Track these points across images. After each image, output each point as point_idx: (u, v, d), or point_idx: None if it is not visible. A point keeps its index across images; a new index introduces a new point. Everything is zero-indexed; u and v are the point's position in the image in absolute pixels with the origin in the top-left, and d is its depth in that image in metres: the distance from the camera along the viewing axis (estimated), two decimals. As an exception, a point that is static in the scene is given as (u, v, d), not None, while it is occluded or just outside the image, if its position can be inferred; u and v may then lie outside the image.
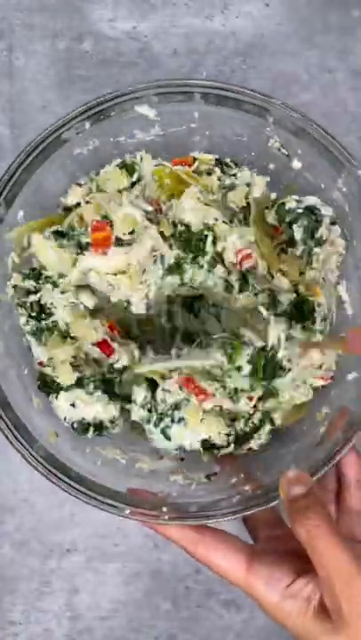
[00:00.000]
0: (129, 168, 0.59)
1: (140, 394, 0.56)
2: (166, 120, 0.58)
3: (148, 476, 0.56)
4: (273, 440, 0.57)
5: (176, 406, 0.56)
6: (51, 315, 0.57)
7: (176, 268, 0.57)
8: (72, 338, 0.57)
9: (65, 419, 0.57)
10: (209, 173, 0.60)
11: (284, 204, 0.58)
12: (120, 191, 0.59)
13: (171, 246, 0.56)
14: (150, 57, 0.72)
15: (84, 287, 0.57)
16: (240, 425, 0.56)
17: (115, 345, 0.56)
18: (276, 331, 0.55)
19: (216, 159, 0.60)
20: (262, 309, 0.56)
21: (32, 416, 0.54)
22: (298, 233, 0.57)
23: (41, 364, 0.57)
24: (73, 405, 0.56)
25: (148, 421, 0.56)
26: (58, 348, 0.56)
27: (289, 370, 0.55)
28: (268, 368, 0.55)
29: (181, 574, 0.68)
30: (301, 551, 0.43)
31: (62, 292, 0.56)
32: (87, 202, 0.58)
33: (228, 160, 0.60)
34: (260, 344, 0.54)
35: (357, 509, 0.51)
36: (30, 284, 0.57)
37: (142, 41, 0.73)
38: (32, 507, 0.68)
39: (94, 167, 0.59)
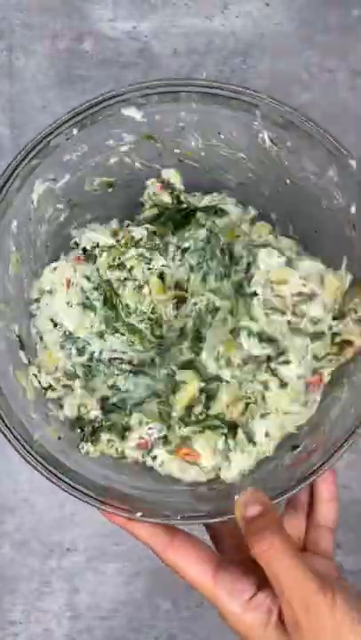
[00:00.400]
0: None
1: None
2: (154, 121, 0.58)
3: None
4: None
5: None
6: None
7: None
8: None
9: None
10: None
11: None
12: None
13: None
14: (150, 57, 0.72)
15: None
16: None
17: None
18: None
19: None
20: None
21: (31, 415, 0.54)
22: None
23: None
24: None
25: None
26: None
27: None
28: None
29: (181, 574, 0.68)
30: None
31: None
32: None
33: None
34: None
35: (326, 525, 0.51)
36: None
37: (142, 41, 0.73)
38: (32, 507, 0.68)
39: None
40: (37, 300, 0.58)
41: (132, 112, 0.56)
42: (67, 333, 0.57)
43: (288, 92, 0.72)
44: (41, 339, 0.57)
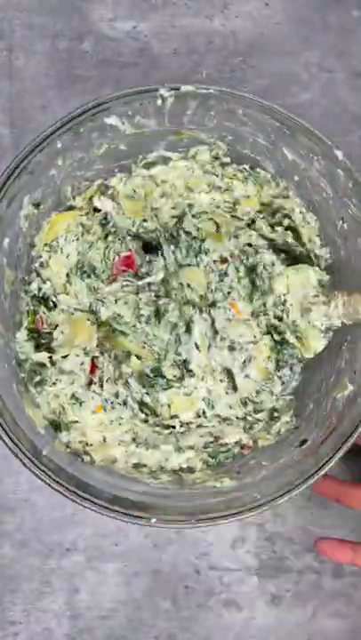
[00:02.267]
0: None
1: None
2: (136, 126, 0.58)
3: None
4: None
5: None
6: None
7: None
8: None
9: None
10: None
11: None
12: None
13: None
14: (150, 57, 0.72)
15: None
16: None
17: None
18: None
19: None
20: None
21: (38, 431, 0.54)
22: None
23: None
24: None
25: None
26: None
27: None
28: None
29: (181, 574, 0.68)
30: None
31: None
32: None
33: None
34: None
35: None
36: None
37: (142, 41, 0.73)
38: (32, 506, 0.68)
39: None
40: None
41: (113, 120, 0.56)
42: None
43: (288, 92, 0.72)
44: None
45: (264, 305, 0.58)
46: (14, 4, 0.73)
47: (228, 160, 0.61)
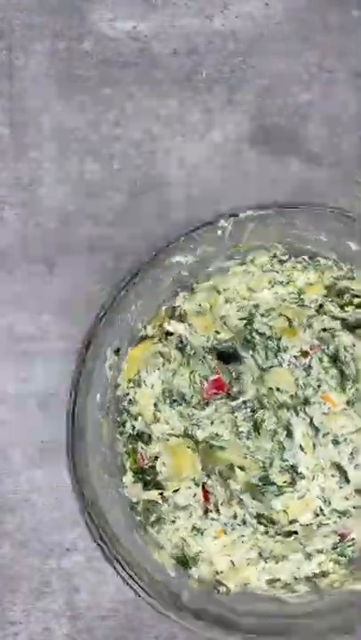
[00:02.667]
0: None
1: None
2: (198, 257, 0.59)
3: None
4: None
5: None
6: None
7: None
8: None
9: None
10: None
11: None
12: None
13: None
14: (150, 57, 0.72)
15: None
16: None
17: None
18: None
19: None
20: None
21: (169, 572, 0.55)
22: None
23: None
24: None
25: None
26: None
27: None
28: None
29: (181, 574, 0.68)
30: None
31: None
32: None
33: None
34: None
35: None
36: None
37: (142, 41, 0.73)
38: (32, 506, 0.68)
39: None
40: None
41: (179, 258, 0.56)
42: None
43: (288, 92, 0.72)
44: None
45: (357, 390, 0.57)
46: (14, 4, 0.73)
47: (285, 257, 0.60)
